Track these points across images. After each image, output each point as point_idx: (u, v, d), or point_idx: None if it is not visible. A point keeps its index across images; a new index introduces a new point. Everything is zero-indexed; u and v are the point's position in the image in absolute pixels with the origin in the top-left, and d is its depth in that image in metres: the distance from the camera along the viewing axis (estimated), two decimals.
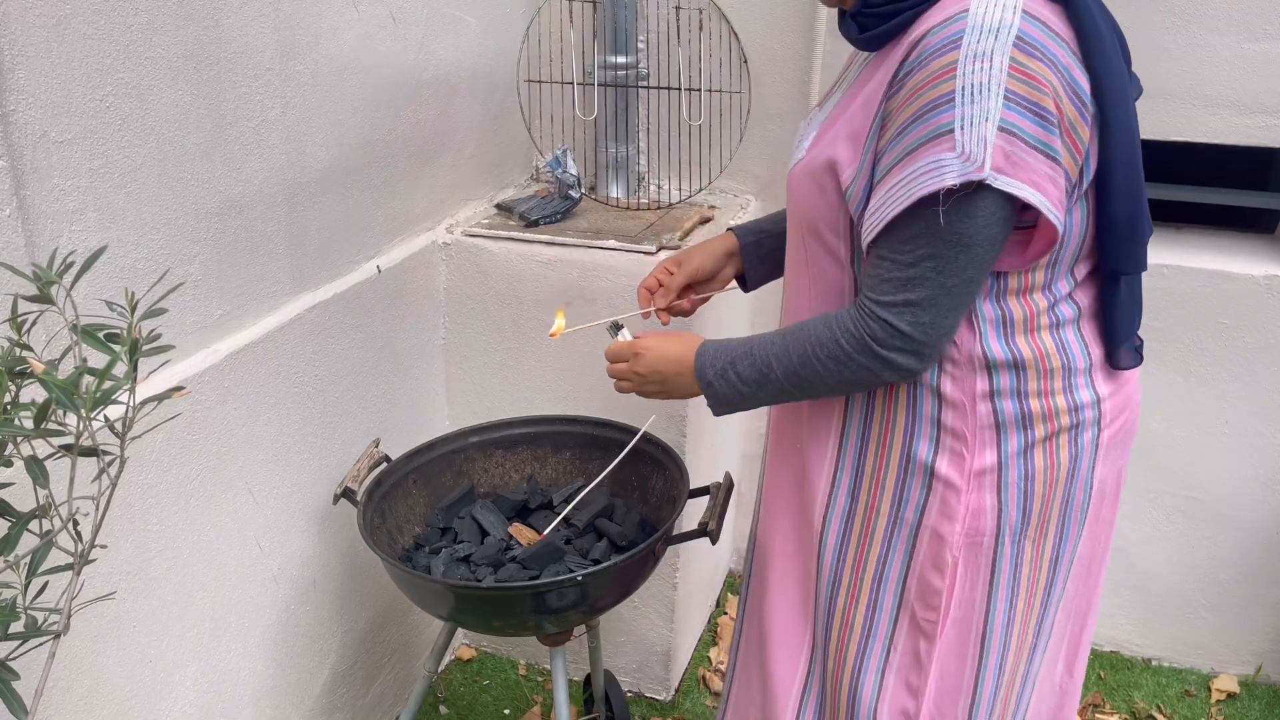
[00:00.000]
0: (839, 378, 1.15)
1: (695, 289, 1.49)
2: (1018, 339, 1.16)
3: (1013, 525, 1.22)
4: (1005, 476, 1.19)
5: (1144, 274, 1.21)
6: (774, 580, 1.40)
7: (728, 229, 1.49)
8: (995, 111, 0.97)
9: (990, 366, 1.16)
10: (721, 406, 1.26)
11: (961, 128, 0.98)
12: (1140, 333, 1.25)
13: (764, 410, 2.54)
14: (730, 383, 1.23)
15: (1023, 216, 1.06)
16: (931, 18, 1.04)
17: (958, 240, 1.03)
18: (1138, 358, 1.23)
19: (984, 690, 1.29)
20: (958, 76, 0.98)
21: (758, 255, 1.45)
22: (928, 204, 1.01)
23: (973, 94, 0.97)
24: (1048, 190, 1.01)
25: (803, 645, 1.38)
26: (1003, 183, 0.99)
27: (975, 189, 1.00)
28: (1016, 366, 1.16)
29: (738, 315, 2.32)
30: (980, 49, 0.98)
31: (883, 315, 1.09)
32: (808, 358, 1.16)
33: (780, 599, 1.39)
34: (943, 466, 1.19)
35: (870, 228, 1.08)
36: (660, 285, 1.47)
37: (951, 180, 0.98)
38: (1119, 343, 1.20)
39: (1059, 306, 1.17)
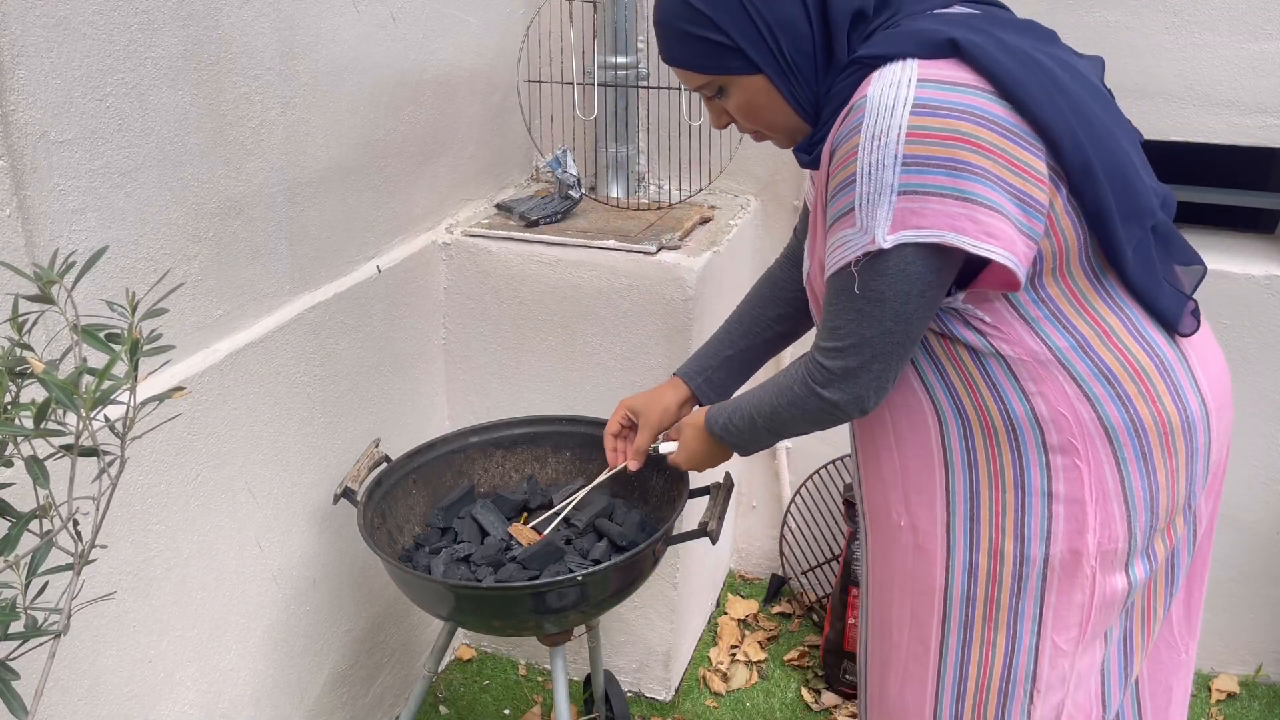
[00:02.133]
0: (801, 420, 1.30)
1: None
2: (1098, 351, 1.21)
3: (1143, 530, 1.25)
4: (1129, 484, 1.23)
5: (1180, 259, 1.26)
6: (895, 661, 1.41)
7: (674, 375, 1.62)
8: (892, 183, 1.09)
9: (1078, 380, 1.21)
10: (741, 451, 1.46)
11: (859, 205, 1.11)
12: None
13: None
14: (735, 434, 1.42)
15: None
16: (845, 108, 1.16)
17: (870, 297, 1.15)
18: (1195, 322, 1.26)
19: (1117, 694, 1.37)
20: (858, 159, 1.10)
21: (713, 390, 1.60)
22: (843, 272, 1.16)
23: (869, 173, 1.09)
24: (964, 227, 1.08)
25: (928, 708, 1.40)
26: (907, 235, 1.09)
27: (879, 252, 1.11)
28: (1106, 376, 1.21)
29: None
30: (877, 129, 1.09)
31: (819, 359, 1.23)
32: (775, 407, 1.32)
33: (900, 673, 1.41)
34: (1060, 487, 1.23)
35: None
36: (623, 429, 1.65)
37: (852, 255, 1.13)
38: (1167, 314, 1.23)
39: (1123, 312, 1.22)
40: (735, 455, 1.49)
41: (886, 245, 1.10)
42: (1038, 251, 1.14)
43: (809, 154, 1.26)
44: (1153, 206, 1.21)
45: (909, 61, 1.11)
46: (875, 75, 1.12)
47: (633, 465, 1.63)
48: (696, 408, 1.53)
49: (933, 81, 1.09)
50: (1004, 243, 1.10)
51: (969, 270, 1.16)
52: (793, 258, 1.59)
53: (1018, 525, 1.26)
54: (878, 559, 1.42)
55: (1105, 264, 1.20)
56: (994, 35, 1.13)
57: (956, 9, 1.21)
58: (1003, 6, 1.26)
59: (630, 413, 1.63)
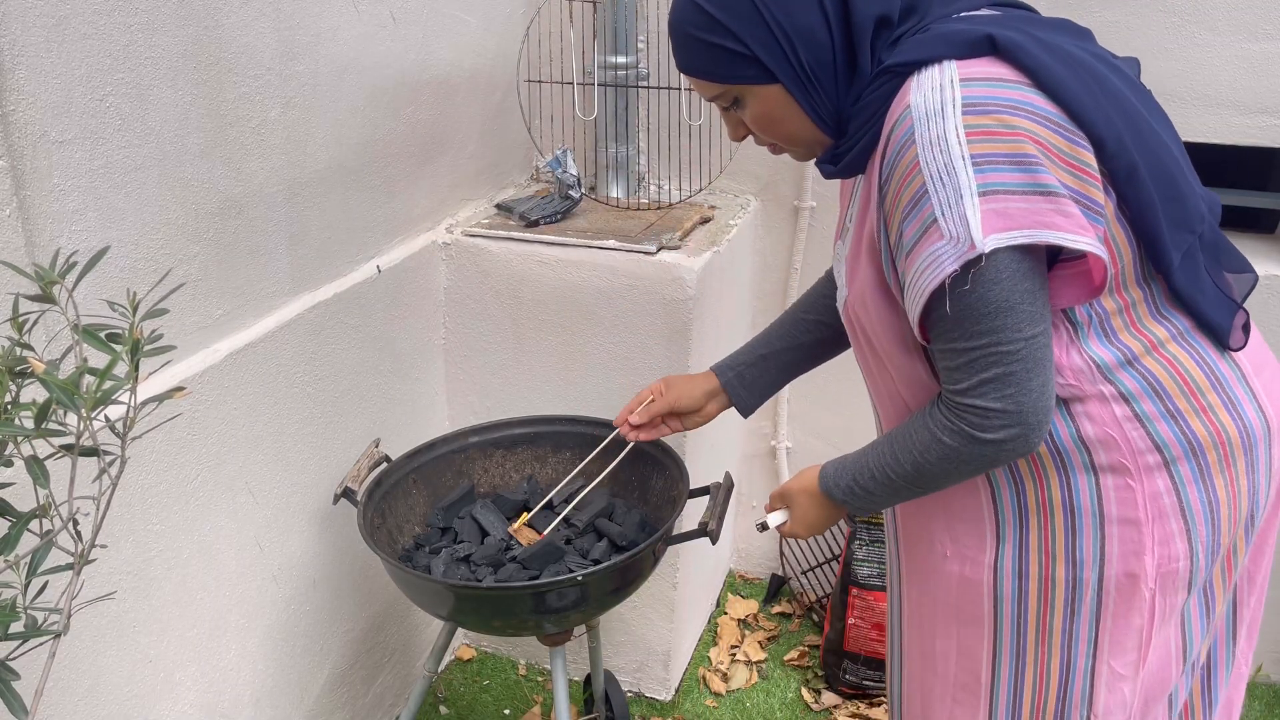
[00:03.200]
0: (959, 471, 1.17)
1: (681, 418, 1.61)
2: (1146, 363, 1.15)
3: (1205, 548, 1.20)
4: (1187, 501, 1.17)
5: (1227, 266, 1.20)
6: (942, 692, 1.36)
7: (710, 369, 1.57)
8: (969, 184, 1.01)
9: (1126, 397, 1.15)
10: (863, 512, 1.35)
11: (942, 215, 1.02)
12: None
13: (769, 414, 2.53)
14: (861, 496, 1.28)
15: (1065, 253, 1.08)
16: (889, 123, 1.09)
17: (995, 309, 1.05)
18: (1244, 336, 1.20)
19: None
20: (923, 169, 1.03)
21: (743, 387, 1.55)
22: (939, 295, 1.05)
23: (941, 179, 1.02)
24: (1057, 223, 1.02)
25: None
26: (1001, 239, 1.01)
27: (982, 259, 1.02)
28: (1156, 390, 1.15)
29: (740, 325, 2.32)
30: (933, 135, 1.02)
31: (969, 402, 1.10)
32: (919, 464, 1.18)
33: (948, 704, 1.36)
34: (1113, 509, 1.17)
35: (916, 329, 1.12)
36: (653, 398, 1.59)
37: (951, 267, 1.02)
38: (1216, 326, 1.18)
39: (1170, 323, 1.17)
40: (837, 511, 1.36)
41: (987, 249, 1.01)
42: None
43: (835, 164, 1.20)
44: (1201, 212, 1.15)
45: (947, 64, 1.05)
46: (913, 82, 1.06)
47: (632, 420, 1.59)
48: (812, 477, 1.36)
49: (976, 80, 1.04)
50: (1092, 235, 1.03)
51: None
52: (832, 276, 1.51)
53: (1069, 549, 1.20)
54: (916, 588, 1.37)
55: (1151, 272, 1.14)
56: (1030, 33, 1.08)
57: (984, 11, 1.15)
58: (1030, 8, 1.21)
59: (664, 384, 1.59)
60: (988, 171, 1.01)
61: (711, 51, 1.15)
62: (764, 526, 1.43)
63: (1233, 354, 1.20)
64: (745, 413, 1.58)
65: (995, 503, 1.23)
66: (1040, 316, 1.07)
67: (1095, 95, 1.06)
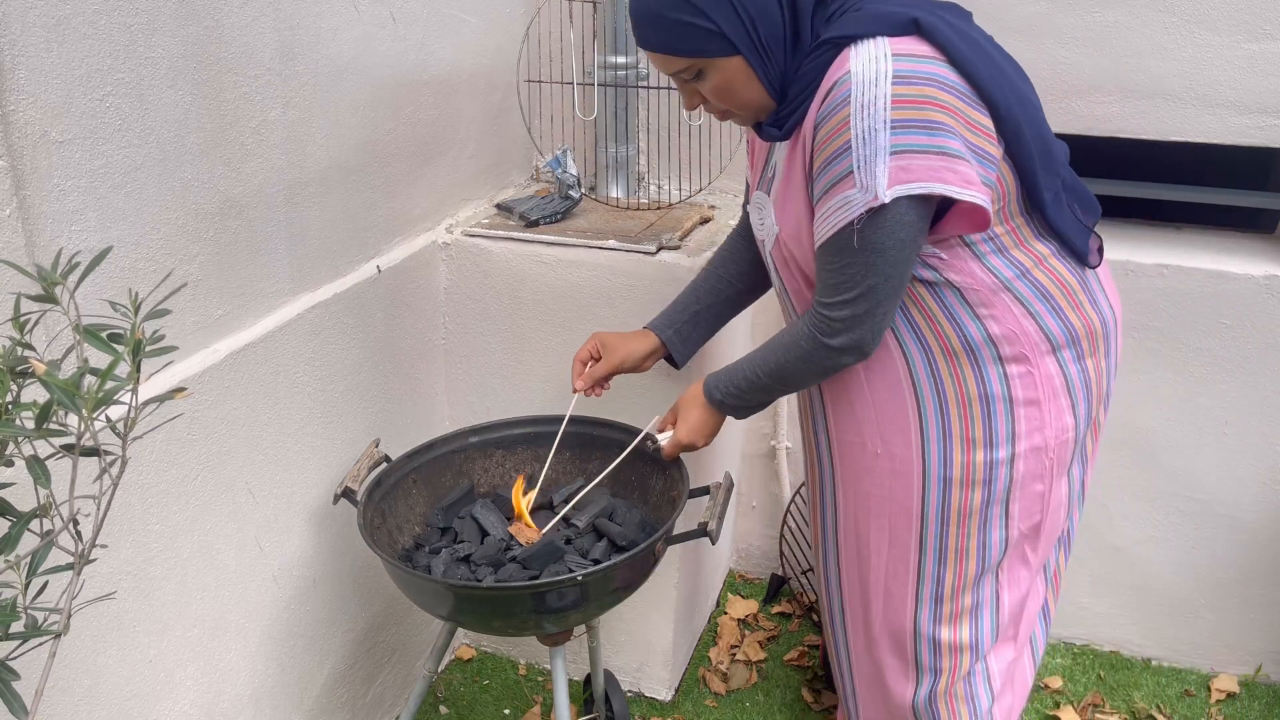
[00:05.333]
0: (807, 371, 1.46)
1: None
2: (1036, 275, 1.42)
3: (1084, 416, 1.49)
4: (1070, 380, 1.46)
5: (1110, 240, 1.50)
6: (875, 583, 1.60)
7: (646, 328, 1.76)
8: (884, 145, 1.24)
9: (1022, 300, 1.41)
10: (741, 414, 1.60)
11: (858, 167, 1.26)
12: (1122, 297, 1.57)
13: (769, 414, 2.54)
14: (736, 396, 1.56)
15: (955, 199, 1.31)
16: (826, 84, 1.30)
17: (872, 249, 1.30)
18: (1099, 257, 1.49)
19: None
20: (851, 127, 1.25)
21: (681, 343, 1.75)
22: (844, 230, 1.31)
23: (864, 138, 1.25)
24: (947, 178, 1.25)
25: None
26: (900, 190, 1.25)
27: (880, 208, 1.27)
28: (1044, 294, 1.42)
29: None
30: (866, 99, 1.24)
31: (827, 313, 1.39)
32: (781, 363, 1.48)
33: (881, 592, 1.60)
34: (1019, 392, 1.43)
35: (814, 245, 1.38)
36: (592, 359, 1.76)
37: (857, 212, 1.28)
38: (1079, 248, 1.45)
39: (1049, 244, 1.44)
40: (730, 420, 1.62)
41: (887, 199, 1.25)
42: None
43: (780, 128, 1.39)
44: (1064, 159, 1.44)
45: (880, 39, 1.27)
46: (851, 53, 1.27)
47: (579, 386, 1.75)
48: (697, 388, 1.61)
49: (905, 55, 1.26)
50: (977, 188, 1.27)
51: (935, 217, 1.33)
52: (745, 232, 1.74)
53: (986, 432, 1.45)
54: (850, 489, 1.59)
55: (1031, 206, 1.40)
56: (940, 16, 1.30)
57: None
58: None
59: (600, 345, 1.75)
60: (901, 134, 1.24)
61: (682, 29, 1.32)
62: (654, 440, 1.66)
63: (1089, 268, 1.49)
64: (681, 365, 1.77)
65: (919, 402, 1.47)
66: (903, 263, 1.32)
67: (990, 69, 1.29)
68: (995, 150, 1.31)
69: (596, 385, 1.76)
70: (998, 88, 1.29)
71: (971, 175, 1.27)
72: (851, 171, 1.26)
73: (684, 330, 1.74)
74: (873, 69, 1.25)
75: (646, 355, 1.73)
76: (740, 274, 1.73)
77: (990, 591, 1.57)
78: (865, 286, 1.33)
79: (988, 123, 1.29)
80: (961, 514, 1.50)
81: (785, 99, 1.37)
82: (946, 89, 1.26)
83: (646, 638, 2.26)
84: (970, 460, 1.46)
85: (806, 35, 1.33)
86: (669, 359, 1.77)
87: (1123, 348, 1.61)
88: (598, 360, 1.75)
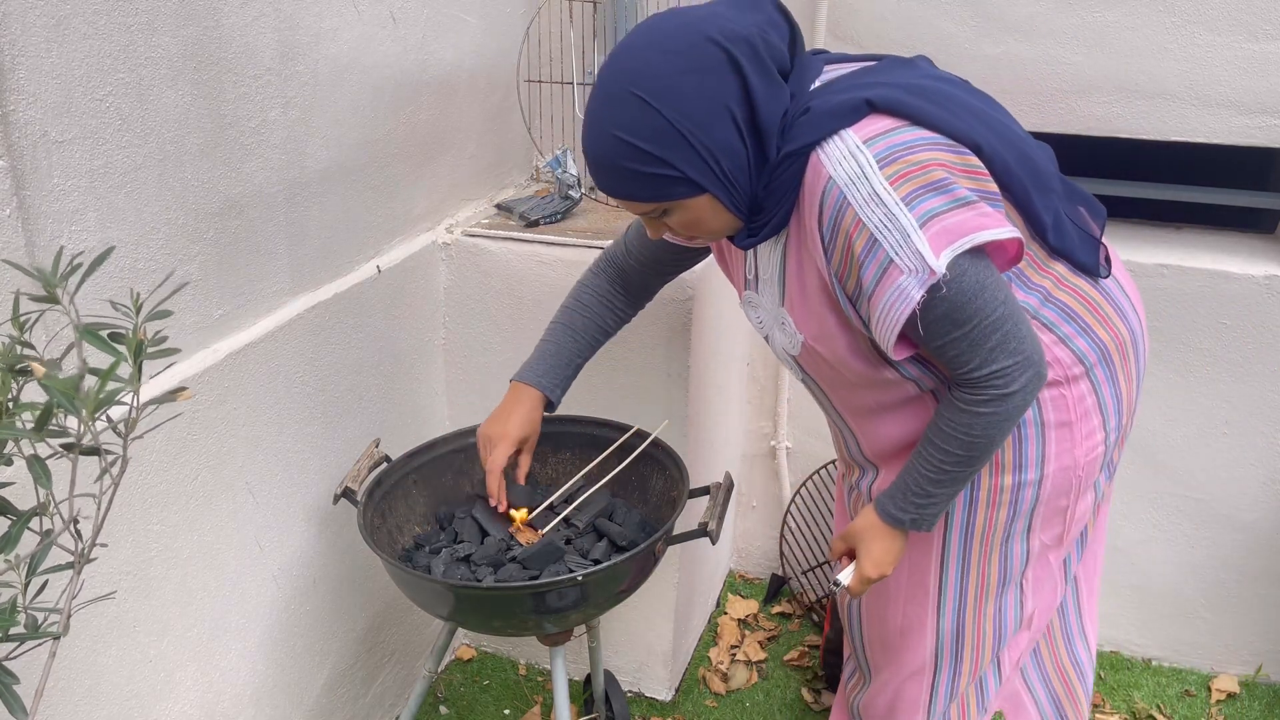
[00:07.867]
0: (1002, 429, 1.32)
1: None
2: (1058, 296, 1.40)
3: (1115, 430, 1.47)
4: (1102, 397, 1.43)
5: (1122, 255, 1.43)
6: (890, 595, 1.58)
7: (534, 389, 1.64)
8: (910, 223, 1.18)
9: (1050, 326, 1.39)
10: (929, 525, 1.42)
11: (897, 255, 1.19)
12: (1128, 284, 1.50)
13: (769, 414, 2.53)
14: (924, 506, 1.40)
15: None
16: (811, 196, 1.25)
17: (971, 295, 1.22)
18: (1108, 266, 1.45)
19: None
20: (866, 223, 1.19)
21: (562, 391, 1.67)
22: (918, 313, 1.22)
23: (886, 227, 1.18)
24: (983, 224, 1.20)
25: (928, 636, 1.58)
26: (950, 252, 1.18)
27: (945, 276, 1.19)
28: (1069, 315, 1.40)
29: (735, 322, 2.32)
30: (865, 194, 1.19)
31: (986, 371, 1.27)
32: (968, 444, 1.32)
33: (899, 608, 1.58)
34: (1050, 415, 1.40)
35: (890, 348, 1.28)
36: (509, 462, 1.64)
37: (917, 295, 1.19)
38: (1087, 264, 1.42)
39: (1062, 263, 1.41)
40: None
41: (943, 269, 1.18)
42: None
43: (755, 237, 1.33)
44: (1053, 171, 1.39)
45: (844, 133, 1.22)
46: (821, 158, 1.22)
47: (504, 503, 1.66)
48: (871, 517, 1.46)
49: (875, 137, 1.22)
50: (1007, 224, 1.22)
51: None
52: (618, 274, 1.67)
53: (1016, 456, 1.41)
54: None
55: (1034, 232, 1.37)
56: (886, 83, 1.27)
57: (833, 73, 1.32)
58: (859, 57, 1.39)
59: (511, 440, 1.62)
60: (918, 205, 1.18)
61: (646, 179, 1.24)
62: (837, 584, 1.49)
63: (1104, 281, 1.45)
64: (555, 409, 1.69)
65: None
66: (1002, 283, 1.26)
67: (956, 113, 1.26)
68: (994, 185, 1.27)
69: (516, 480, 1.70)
70: (970, 129, 1.25)
71: (997, 214, 1.22)
72: (892, 261, 1.19)
73: (565, 379, 1.68)
74: (853, 166, 1.20)
75: (539, 413, 1.67)
76: (618, 323, 1.70)
77: (1014, 599, 1.55)
78: (994, 325, 1.25)
79: (977, 161, 1.25)
80: (985, 537, 1.47)
81: (758, 212, 1.31)
82: (929, 148, 1.21)
83: (646, 638, 2.26)
84: (998, 484, 1.43)
85: (773, 152, 1.26)
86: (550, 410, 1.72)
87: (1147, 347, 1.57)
88: (519, 452, 1.66)
